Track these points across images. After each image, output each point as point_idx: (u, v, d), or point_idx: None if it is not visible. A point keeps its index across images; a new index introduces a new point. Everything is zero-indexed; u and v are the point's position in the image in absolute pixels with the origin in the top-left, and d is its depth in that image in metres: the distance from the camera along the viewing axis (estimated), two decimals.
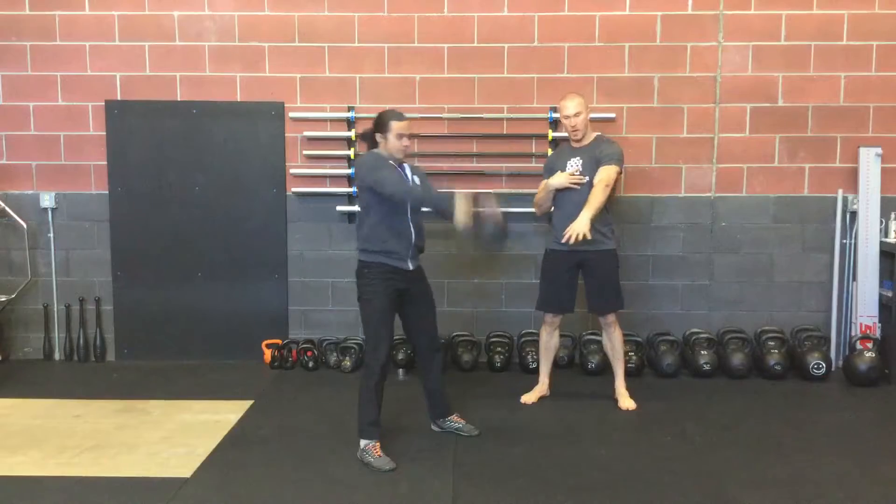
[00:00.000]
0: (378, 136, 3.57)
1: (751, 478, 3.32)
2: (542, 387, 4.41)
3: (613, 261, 4.20)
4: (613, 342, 4.27)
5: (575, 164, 4.13)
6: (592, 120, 4.95)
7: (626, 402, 4.24)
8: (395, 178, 3.49)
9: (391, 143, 3.53)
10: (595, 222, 3.98)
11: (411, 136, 3.67)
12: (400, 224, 3.55)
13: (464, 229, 3.42)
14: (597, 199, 3.97)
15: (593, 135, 4.23)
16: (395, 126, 3.51)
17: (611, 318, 4.24)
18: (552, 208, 4.25)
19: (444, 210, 3.46)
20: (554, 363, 4.95)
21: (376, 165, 3.50)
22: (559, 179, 4.10)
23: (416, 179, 3.66)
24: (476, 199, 3.44)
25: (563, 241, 3.93)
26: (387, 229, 3.52)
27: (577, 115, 4.07)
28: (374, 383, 3.47)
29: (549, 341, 4.38)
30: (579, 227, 3.87)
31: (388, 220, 3.52)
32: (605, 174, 4.00)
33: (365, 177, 3.50)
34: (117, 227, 5.17)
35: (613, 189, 4.10)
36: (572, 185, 4.07)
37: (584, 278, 4.23)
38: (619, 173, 4.11)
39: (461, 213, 3.37)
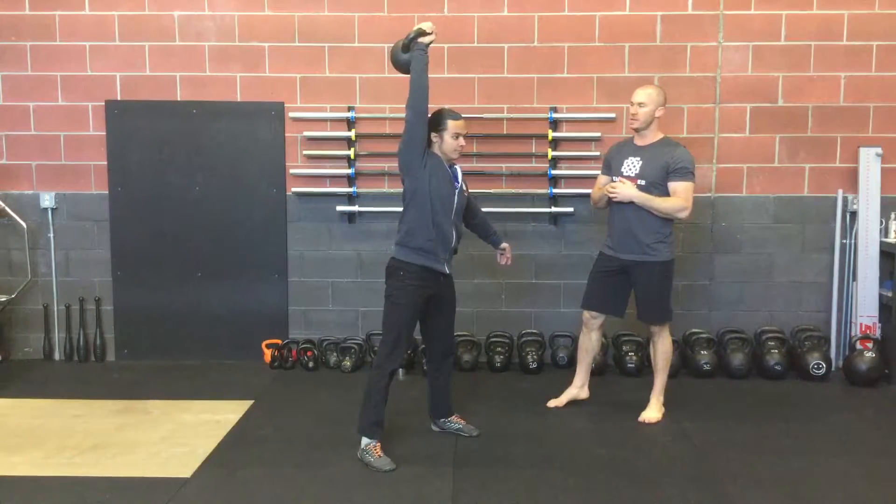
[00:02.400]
0: (433, 136, 3.51)
1: (751, 478, 3.32)
2: (571, 389, 4.26)
3: (659, 273, 3.93)
4: (655, 352, 4.11)
5: (632, 165, 3.91)
6: (592, 120, 5.00)
7: (648, 413, 4.04)
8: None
9: (447, 142, 3.50)
10: (640, 231, 3.87)
11: (467, 136, 3.63)
12: (443, 223, 3.50)
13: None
14: (663, 202, 3.83)
15: (659, 135, 3.97)
16: (452, 125, 3.49)
17: (654, 328, 4.06)
18: (609, 207, 4.06)
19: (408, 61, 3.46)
20: (555, 363, 4.97)
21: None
22: (610, 191, 3.91)
23: (465, 185, 3.67)
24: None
25: (611, 193, 3.88)
26: (432, 225, 3.47)
27: (641, 104, 3.86)
28: (385, 385, 3.47)
29: (585, 342, 4.20)
30: (625, 192, 3.82)
31: (431, 216, 3.46)
32: (684, 198, 3.84)
33: (400, 155, 3.48)
34: (117, 227, 5.17)
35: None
36: (609, 192, 3.90)
37: (633, 286, 4.05)
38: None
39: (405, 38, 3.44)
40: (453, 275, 3.72)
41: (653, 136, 3.96)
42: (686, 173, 3.86)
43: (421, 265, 3.49)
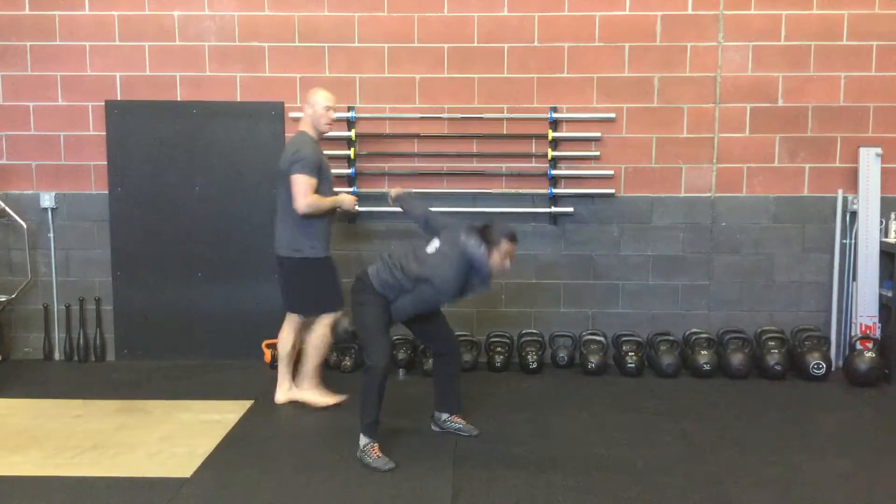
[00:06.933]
0: (489, 246, 3.47)
1: (751, 478, 3.32)
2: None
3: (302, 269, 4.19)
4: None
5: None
6: (592, 120, 5.02)
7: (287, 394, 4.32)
8: None
9: (494, 259, 3.47)
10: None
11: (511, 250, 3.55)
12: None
13: None
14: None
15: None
16: (505, 246, 3.47)
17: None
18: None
19: None
20: (555, 363, 4.98)
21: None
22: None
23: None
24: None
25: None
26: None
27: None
28: (378, 384, 3.47)
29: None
30: None
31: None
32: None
33: None
34: (117, 227, 5.17)
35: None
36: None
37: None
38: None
39: None
40: None
41: None
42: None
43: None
